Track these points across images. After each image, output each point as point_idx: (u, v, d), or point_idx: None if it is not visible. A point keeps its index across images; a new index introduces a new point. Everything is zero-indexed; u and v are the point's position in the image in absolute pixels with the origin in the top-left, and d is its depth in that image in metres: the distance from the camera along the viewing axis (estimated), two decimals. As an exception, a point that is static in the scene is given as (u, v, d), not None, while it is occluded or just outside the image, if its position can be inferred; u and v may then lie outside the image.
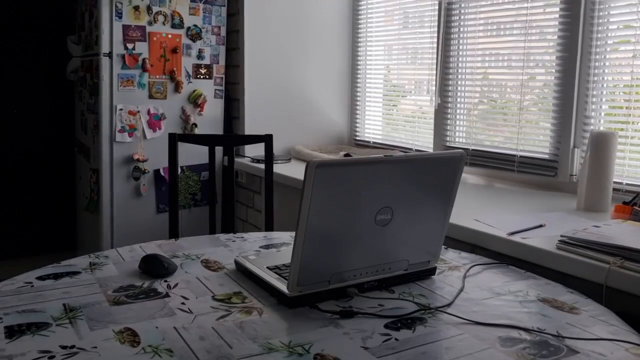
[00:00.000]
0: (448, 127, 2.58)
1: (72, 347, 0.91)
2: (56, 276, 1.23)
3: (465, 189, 2.17)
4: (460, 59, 2.51)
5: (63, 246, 3.61)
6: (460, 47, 2.51)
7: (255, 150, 2.98)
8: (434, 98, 2.63)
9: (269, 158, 2.11)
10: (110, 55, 2.61)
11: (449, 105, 2.57)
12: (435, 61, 2.62)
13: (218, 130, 2.96)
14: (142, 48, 2.67)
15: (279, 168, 2.64)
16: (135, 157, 2.70)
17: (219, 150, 2.98)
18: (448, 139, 2.59)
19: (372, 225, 1.11)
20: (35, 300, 1.10)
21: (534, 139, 2.24)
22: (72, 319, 1.01)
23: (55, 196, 3.62)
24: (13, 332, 0.96)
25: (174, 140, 2.03)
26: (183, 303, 1.10)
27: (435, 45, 2.62)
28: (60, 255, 3.46)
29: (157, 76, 2.73)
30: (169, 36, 2.74)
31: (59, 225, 3.63)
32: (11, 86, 3.43)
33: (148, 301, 1.11)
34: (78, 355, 0.88)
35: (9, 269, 3.19)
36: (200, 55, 2.84)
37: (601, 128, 2.02)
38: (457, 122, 2.56)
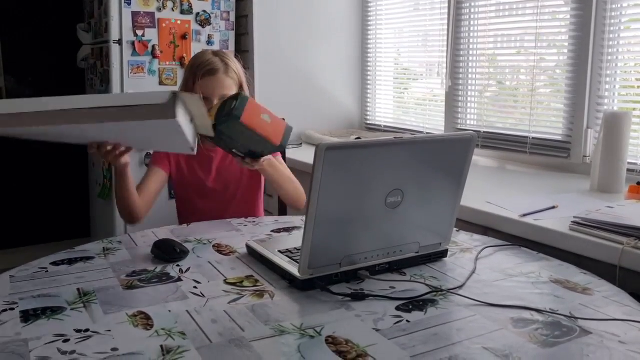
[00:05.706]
0: (459, 110, 2.56)
1: (87, 330, 0.92)
2: (70, 261, 1.25)
3: (478, 172, 2.16)
4: (471, 40, 2.48)
5: (77, 233, 3.65)
6: (471, 29, 2.48)
7: (266, 136, 2.97)
8: (444, 81, 2.61)
9: (279, 143, 2.10)
10: (120, 42, 2.62)
11: (460, 88, 2.55)
12: (446, 44, 2.59)
13: (229, 116, 2.96)
14: (151, 34, 2.67)
15: (290, 153, 2.63)
16: (147, 143, 2.71)
17: (230, 136, 2.97)
18: (459, 121, 2.57)
19: (382, 208, 1.11)
20: (50, 285, 1.11)
21: (547, 121, 2.21)
22: (87, 303, 1.02)
23: (69, 184, 3.65)
24: (28, 316, 0.97)
25: (184, 126, 2.03)
26: (195, 287, 1.11)
27: (446, 27, 2.59)
28: (75, 242, 3.50)
29: (167, 63, 2.73)
30: (178, 22, 2.73)
31: (73, 212, 3.66)
32: (22, 74, 3.45)
33: (161, 285, 1.12)
34: (92, 339, 0.89)
35: (23, 256, 3.23)
36: (209, 41, 2.83)
37: (615, 108, 2.00)
38: (469, 105, 2.53)
